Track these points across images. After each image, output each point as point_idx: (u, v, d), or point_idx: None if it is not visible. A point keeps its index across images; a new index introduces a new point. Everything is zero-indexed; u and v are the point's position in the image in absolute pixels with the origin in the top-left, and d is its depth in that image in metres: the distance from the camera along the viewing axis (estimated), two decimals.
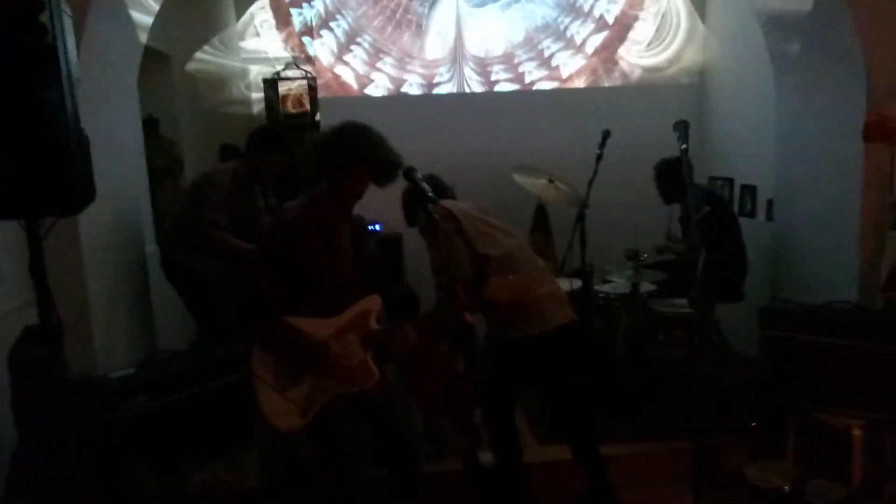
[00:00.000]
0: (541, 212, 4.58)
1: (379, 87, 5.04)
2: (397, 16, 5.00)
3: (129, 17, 3.23)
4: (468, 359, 2.00)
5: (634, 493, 2.94)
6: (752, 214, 4.41)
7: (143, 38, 3.51)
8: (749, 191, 4.49)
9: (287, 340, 2.25)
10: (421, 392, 3.33)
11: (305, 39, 5.30)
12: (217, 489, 2.74)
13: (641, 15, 5.10)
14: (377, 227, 4.43)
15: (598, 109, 4.80)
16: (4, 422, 2.04)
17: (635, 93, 5.11)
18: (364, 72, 5.04)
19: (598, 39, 5.10)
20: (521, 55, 5.08)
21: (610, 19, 5.08)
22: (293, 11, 5.38)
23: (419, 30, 5.01)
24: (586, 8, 5.06)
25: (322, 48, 5.04)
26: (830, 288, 3.33)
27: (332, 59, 5.03)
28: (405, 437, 2.45)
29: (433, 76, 5.08)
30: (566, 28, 5.06)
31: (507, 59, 5.09)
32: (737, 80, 4.63)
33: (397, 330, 2.32)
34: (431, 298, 2.73)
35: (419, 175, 2.16)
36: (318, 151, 2.28)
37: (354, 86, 5.04)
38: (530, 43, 5.07)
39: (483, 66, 5.09)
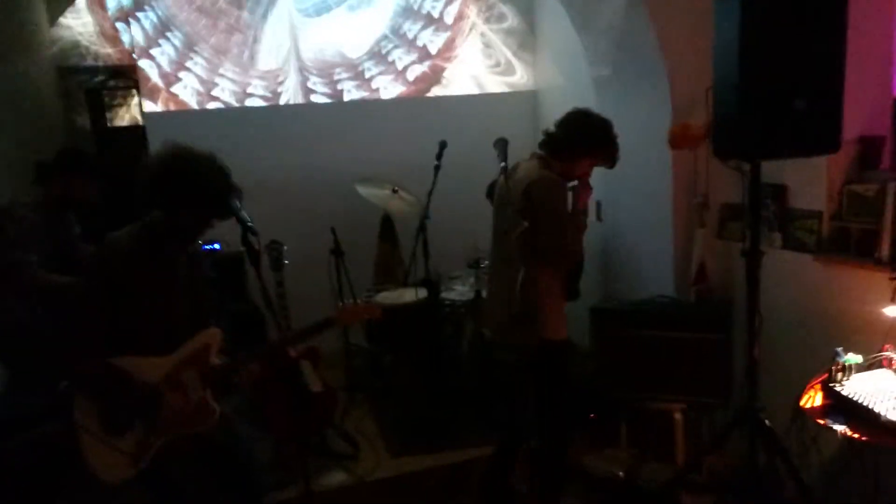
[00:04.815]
0: (387, 222, 4.60)
1: (188, 89, 4.80)
2: (219, 21, 4.81)
3: None
4: (291, 388, 1.97)
5: None
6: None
7: None
8: None
9: (113, 386, 2.07)
10: (271, 419, 3.22)
11: (120, 25, 4.89)
12: None
13: (468, 41, 5.26)
14: (216, 245, 4.23)
15: (437, 119, 4.92)
16: None
17: (473, 102, 5.26)
18: (204, 91, 4.81)
19: (418, 69, 5.18)
20: (340, 73, 5.06)
21: (433, 49, 5.19)
22: (120, 26, 4.98)
23: (238, 35, 4.85)
24: (410, 36, 5.14)
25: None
26: (653, 283, 3.62)
27: (170, 80, 4.76)
28: (248, 472, 2.36)
29: (248, 85, 4.92)
30: (388, 52, 5.11)
31: (328, 74, 5.05)
32: (564, 91, 4.90)
33: (237, 363, 2.23)
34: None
35: (237, 204, 2.07)
36: (167, 185, 2.08)
37: (160, 83, 4.78)
38: (351, 63, 5.07)
39: (318, 76, 5.03)
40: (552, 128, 2.66)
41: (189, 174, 2.08)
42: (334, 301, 3.97)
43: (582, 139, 2.60)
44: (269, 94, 4.92)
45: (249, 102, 4.90)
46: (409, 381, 3.87)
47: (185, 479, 2.21)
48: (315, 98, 5.02)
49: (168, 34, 4.73)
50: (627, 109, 3.78)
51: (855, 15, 2.23)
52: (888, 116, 2.87)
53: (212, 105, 4.83)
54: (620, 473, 3.03)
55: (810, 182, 2.90)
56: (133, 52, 4.73)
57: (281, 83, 4.94)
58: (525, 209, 2.39)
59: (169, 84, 4.76)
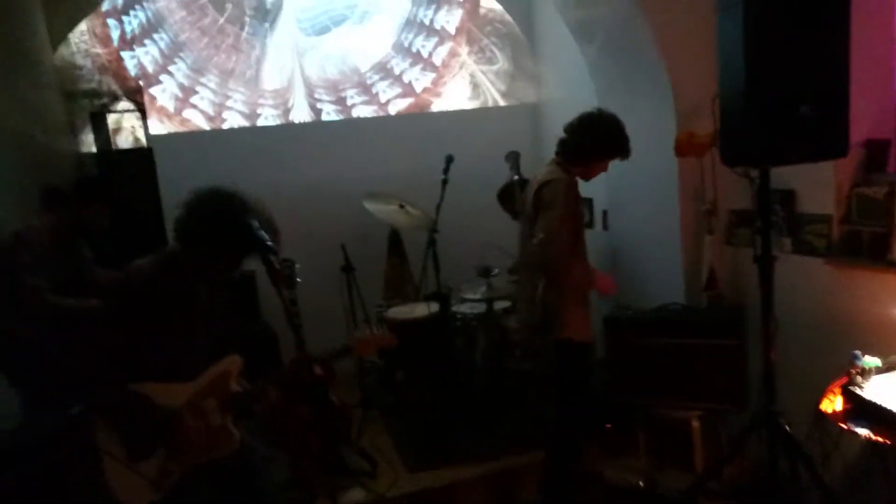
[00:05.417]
0: (395, 237, 4.61)
1: (166, 93, 4.82)
2: (218, 41, 4.84)
3: None
4: (317, 409, 1.97)
5: None
6: (590, 225, 4.69)
7: None
8: (587, 203, 4.78)
9: (134, 412, 2.09)
10: (289, 438, 3.21)
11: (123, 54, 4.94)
12: None
13: (456, 80, 5.32)
14: None
15: (440, 134, 4.95)
16: None
17: (475, 117, 5.30)
18: (183, 97, 4.83)
19: (401, 103, 5.23)
20: (321, 95, 5.08)
21: (419, 87, 5.24)
22: (111, 23, 4.99)
23: (245, 56, 4.88)
24: (397, 71, 5.18)
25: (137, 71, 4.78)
26: (662, 291, 3.61)
27: (150, 82, 4.78)
28: (266, 496, 2.37)
29: (259, 105, 4.96)
30: (373, 84, 5.15)
31: (335, 90, 5.08)
32: (566, 102, 4.92)
33: (258, 390, 2.25)
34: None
35: (255, 224, 2.07)
36: (198, 227, 2.09)
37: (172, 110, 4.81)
38: (359, 76, 5.10)
39: (315, 97, 5.07)
40: (563, 134, 2.75)
41: (206, 220, 2.08)
42: (346, 318, 3.99)
43: (593, 143, 2.72)
44: (246, 111, 4.93)
45: (227, 115, 4.91)
46: (422, 396, 3.87)
47: None
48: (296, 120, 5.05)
49: (155, 35, 4.73)
50: (632, 119, 3.76)
51: (857, 19, 2.25)
52: (893, 119, 2.89)
53: (188, 113, 4.84)
54: (640, 483, 3.02)
55: (818, 186, 2.91)
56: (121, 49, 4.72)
57: (265, 105, 4.96)
58: (536, 209, 2.44)
59: (149, 85, 4.77)
